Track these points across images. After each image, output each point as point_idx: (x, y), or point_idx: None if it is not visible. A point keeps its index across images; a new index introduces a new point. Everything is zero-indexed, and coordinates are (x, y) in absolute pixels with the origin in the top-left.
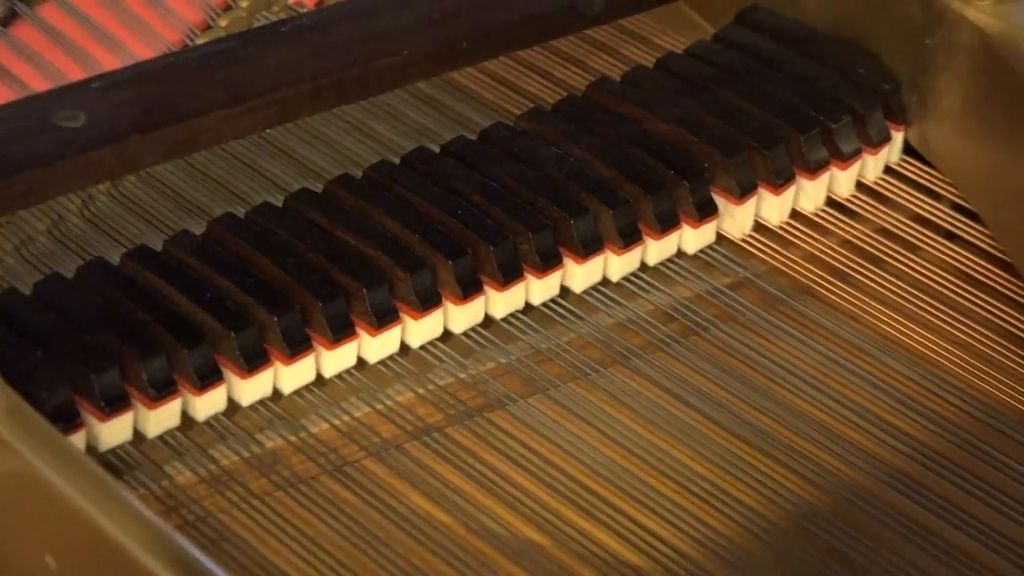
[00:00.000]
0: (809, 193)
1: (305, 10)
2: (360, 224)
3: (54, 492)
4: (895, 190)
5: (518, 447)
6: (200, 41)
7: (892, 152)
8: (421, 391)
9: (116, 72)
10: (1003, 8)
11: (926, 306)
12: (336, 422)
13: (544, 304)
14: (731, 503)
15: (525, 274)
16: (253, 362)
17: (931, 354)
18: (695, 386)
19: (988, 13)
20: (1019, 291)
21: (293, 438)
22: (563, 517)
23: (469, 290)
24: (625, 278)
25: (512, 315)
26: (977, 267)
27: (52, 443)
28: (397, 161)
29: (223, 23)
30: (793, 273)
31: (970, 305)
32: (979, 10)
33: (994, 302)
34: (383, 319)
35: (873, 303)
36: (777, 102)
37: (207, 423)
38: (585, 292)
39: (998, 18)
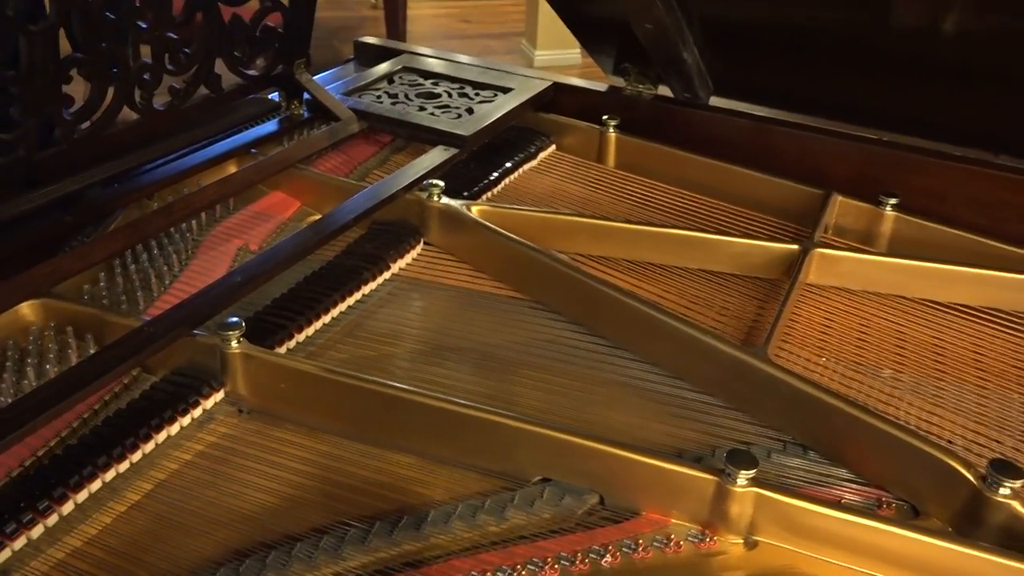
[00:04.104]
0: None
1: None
2: None
3: (278, 364)
4: (428, 259)
5: None
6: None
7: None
8: None
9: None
10: (446, 200)
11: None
12: None
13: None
14: None
15: None
16: None
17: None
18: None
19: (438, 203)
20: (502, 288)
21: None
22: None
23: None
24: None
25: None
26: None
27: (278, 357)
28: None
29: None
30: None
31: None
32: (435, 204)
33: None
34: None
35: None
36: (372, 252)
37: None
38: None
39: (445, 204)
